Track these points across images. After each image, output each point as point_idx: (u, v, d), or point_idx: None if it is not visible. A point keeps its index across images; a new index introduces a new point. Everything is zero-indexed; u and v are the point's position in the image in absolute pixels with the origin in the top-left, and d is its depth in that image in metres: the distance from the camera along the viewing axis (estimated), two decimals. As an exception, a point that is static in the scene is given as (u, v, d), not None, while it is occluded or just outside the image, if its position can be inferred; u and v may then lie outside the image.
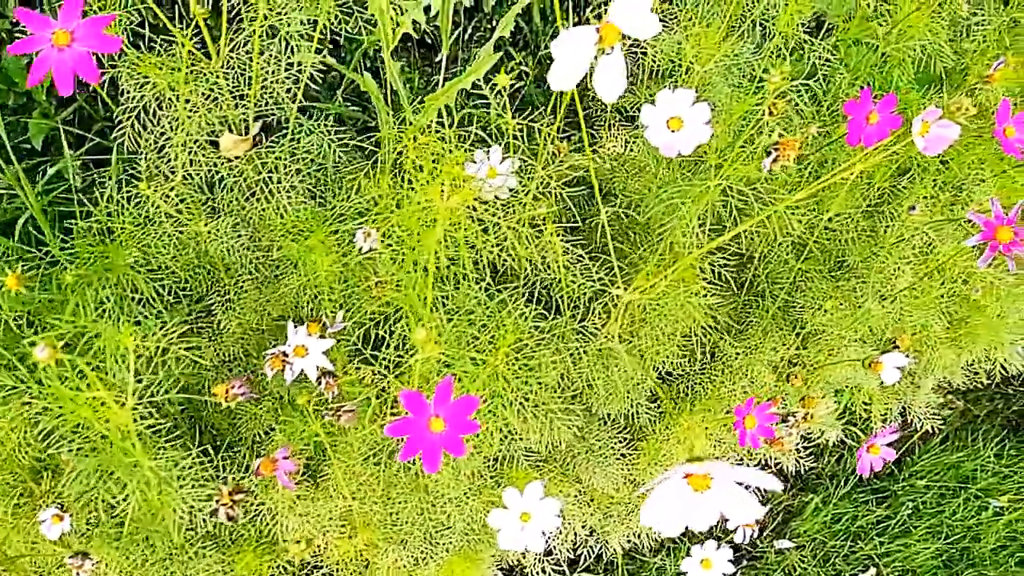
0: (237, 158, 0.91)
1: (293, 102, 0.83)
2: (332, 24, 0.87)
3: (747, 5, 0.95)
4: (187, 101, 0.77)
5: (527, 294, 0.87)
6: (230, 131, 0.91)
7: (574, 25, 0.51)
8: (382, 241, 0.77)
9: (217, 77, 0.83)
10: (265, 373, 0.73)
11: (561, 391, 0.82)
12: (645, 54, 1.07)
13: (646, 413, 1.11)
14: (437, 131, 0.76)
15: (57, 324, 0.59)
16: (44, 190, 1.23)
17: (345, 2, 0.90)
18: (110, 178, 0.87)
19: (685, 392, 1.12)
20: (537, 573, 1.21)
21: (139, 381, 0.90)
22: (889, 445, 0.91)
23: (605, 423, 0.99)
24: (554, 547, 1.19)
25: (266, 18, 0.74)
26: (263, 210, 0.85)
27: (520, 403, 0.78)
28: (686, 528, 0.43)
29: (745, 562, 1.40)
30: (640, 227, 0.91)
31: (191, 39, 0.83)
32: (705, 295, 0.86)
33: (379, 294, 0.75)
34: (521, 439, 0.85)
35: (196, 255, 0.84)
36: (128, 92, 0.80)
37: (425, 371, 0.77)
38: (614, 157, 1.13)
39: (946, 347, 1.17)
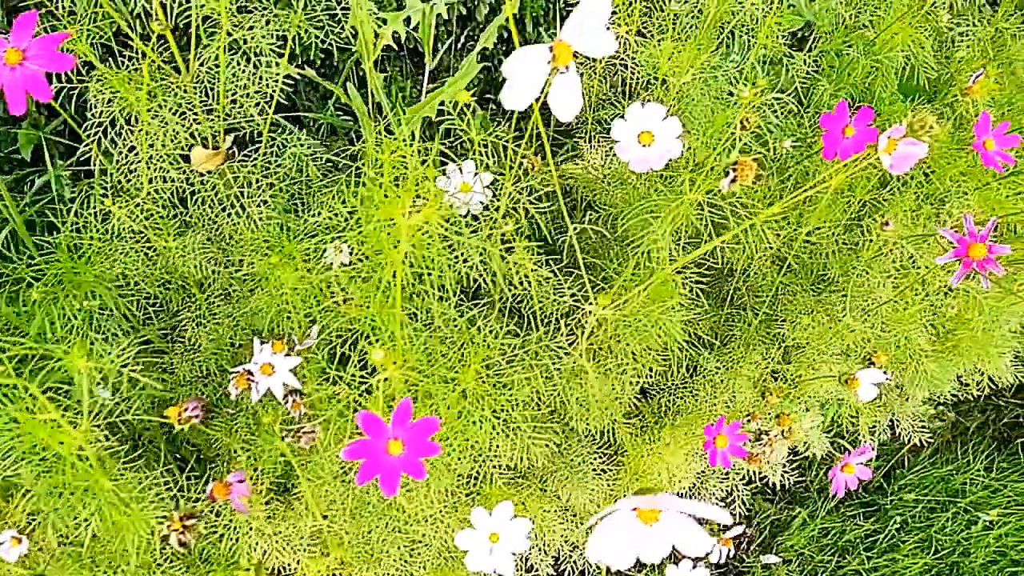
0: (209, 172, 0.90)
1: (263, 115, 0.82)
2: (317, 35, 0.87)
3: (729, 17, 0.95)
4: (153, 116, 0.76)
5: (501, 310, 0.86)
6: (203, 146, 0.91)
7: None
8: (351, 256, 0.76)
9: (186, 91, 0.82)
10: (229, 392, 0.72)
11: (534, 408, 0.81)
12: (626, 67, 1.06)
13: (626, 429, 1.09)
14: (411, 144, 0.75)
15: (8, 346, 0.58)
16: (32, 201, 1.23)
17: (332, 11, 0.89)
18: (81, 192, 0.86)
19: (667, 407, 1.11)
20: (520, 589, 1.20)
21: (112, 397, 0.89)
22: (865, 464, 0.90)
23: (584, 439, 0.98)
24: (536, 563, 1.18)
25: (230, 34, 0.74)
26: (234, 225, 0.84)
27: (491, 421, 0.77)
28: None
29: (732, 577, 1.39)
30: (618, 241, 0.90)
31: (161, 53, 0.82)
32: (681, 310, 0.85)
33: (347, 311, 0.75)
34: (495, 456, 0.83)
35: (166, 271, 0.83)
36: (96, 107, 0.79)
37: (395, 390, 0.76)
38: (595, 169, 1.12)
39: (931, 361, 1.16)
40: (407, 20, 1.26)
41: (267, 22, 0.79)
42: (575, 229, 0.74)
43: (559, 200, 0.67)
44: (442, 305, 0.75)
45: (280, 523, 0.83)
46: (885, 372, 0.84)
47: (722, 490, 1.29)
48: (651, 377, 1.02)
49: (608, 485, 1.10)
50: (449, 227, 0.64)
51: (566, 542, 1.18)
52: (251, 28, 0.74)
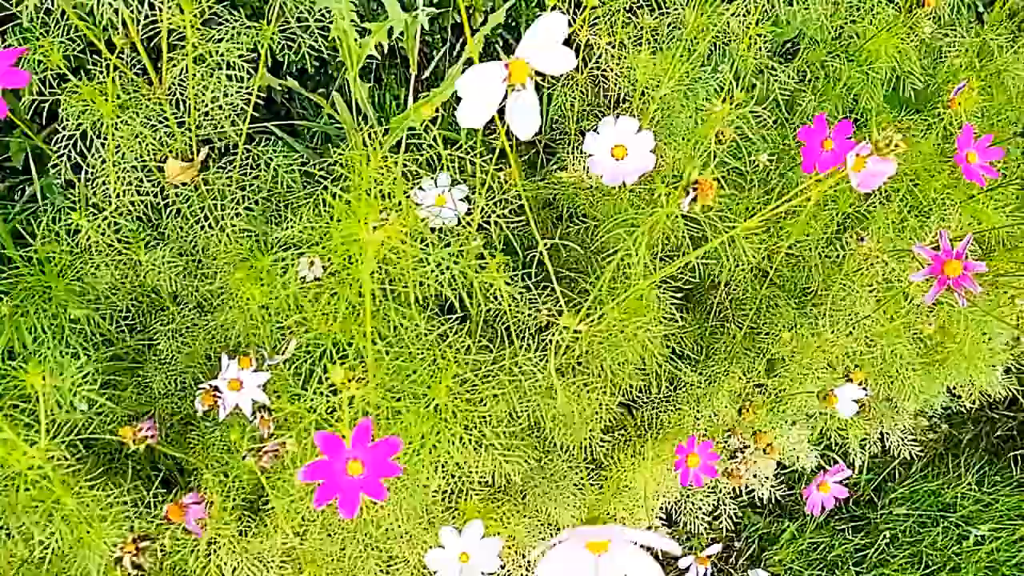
0: (184, 184, 0.89)
1: (235, 127, 0.81)
2: (291, 47, 0.86)
3: (711, 29, 0.94)
4: (121, 127, 0.75)
5: (478, 325, 0.85)
6: (179, 158, 0.90)
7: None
8: (325, 270, 0.76)
9: (159, 103, 0.82)
10: (196, 408, 0.71)
11: (510, 424, 0.80)
12: (607, 78, 1.05)
13: (609, 443, 1.08)
14: (383, 158, 0.74)
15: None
16: (23, 209, 1.22)
17: (305, 24, 0.89)
18: (52, 206, 0.85)
19: (650, 421, 1.10)
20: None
21: (89, 411, 0.88)
22: (841, 483, 0.89)
23: (565, 453, 0.97)
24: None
25: (195, 46, 0.73)
26: (207, 238, 0.84)
27: (463, 438, 0.76)
28: None
29: (720, 591, 1.37)
30: (595, 253, 0.89)
31: (134, 66, 0.82)
32: (659, 324, 0.84)
33: (315, 327, 0.74)
34: (469, 473, 0.82)
35: (138, 284, 0.83)
36: (68, 119, 0.79)
37: (365, 407, 0.75)
38: (578, 180, 1.12)
39: (919, 375, 1.15)
40: (390, 31, 1.26)
41: (238, 34, 0.79)
42: (546, 246, 0.73)
43: (528, 214, 0.66)
44: (411, 320, 0.75)
45: (252, 539, 0.82)
46: (865, 388, 0.83)
47: (709, 504, 1.28)
48: (632, 392, 1.01)
49: (592, 499, 1.08)
50: (414, 243, 0.63)
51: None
52: (219, 41, 0.74)
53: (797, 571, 1.36)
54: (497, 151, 0.74)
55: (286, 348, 0.80)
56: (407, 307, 0.75)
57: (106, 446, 1.03)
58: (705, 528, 1.33)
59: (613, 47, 1.01)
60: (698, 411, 1.04)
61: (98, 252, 0.77)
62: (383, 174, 0.72)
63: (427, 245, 0.66)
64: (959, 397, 1.47)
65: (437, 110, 1.12)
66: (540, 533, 1.09)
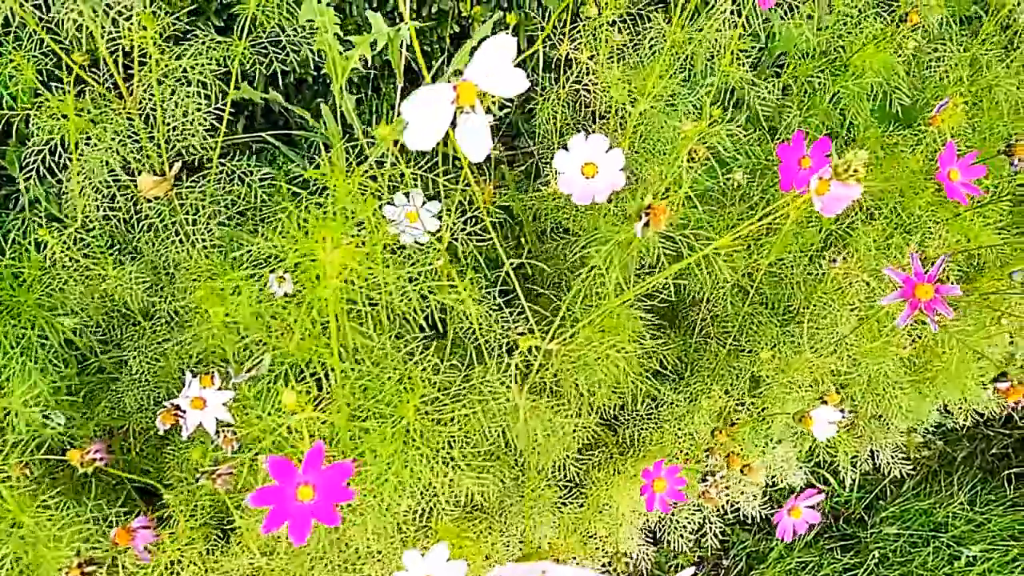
0: (157, 199, 0.89)
1: (203, 141, 0.81)
2: (261, 62, 0.85)
3: (694, 44, 0.93)
4: (91, 141, 0.75)
5: (450, 343, 0.84)
6: (152, 172, 0.90)
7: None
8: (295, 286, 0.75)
9: (130, 118, 0.81)
10: (158, 427, 0.70)
11: (481, 443, 0.79)
12: (589, 92, 1.04)
13: (589, 461, 1.07)
14: (353, 175, 0.73)
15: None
16: (16, 218, 1.22)
17: (276, 39, 0.88)
18: (21, 221, 0.85)
19: (631, 438, 1.09)
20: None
21: (66, 424, 0.87)
22: (813, 507, 0.87)
23: (542, 472, 0.96)
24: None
25: (158, 62, 0.73)
26: (178, 253, 0.83)
27: (431, 458, 0.75)
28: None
29: (708, 609, 1.35)
30: (571, 271, 0.88)
31: (105, 81, 0.81)
32: (632, 343, 0.83)
33: (281, 345, 0.73)
34: (438, 493, 0.81)
35: (108, 299, 0.82)
36: (37, 134, 0.78)
37: (331, 427, 0.74)
38: (559, 195, 1.11)
39: (906, 393, 1.13)
40: (375, 44, 1.25)
41: (208, 49, 0.78)
42: (513, 265, 0.72)
43: (492, 233, 0.65)
44: (376, 340, 0.74)
45: (219, 559, 0.81)
46: (842, 410, 0.82)
47: (694, 521, 1.26)
48: (610, 410, 1.00)
49: (571, 517, 1.07)
50: (372, 263, 0.62)
51: None
52: (179, 57, 0.73)
53: (785, 590, 1.34)
54: (441, 173, 0.73)
55: (258, 365, 0.79)
56: (378, 325, 0.74)
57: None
58: (691, 546, 1.31)
59: (594, 62, 1.00)
60: (679, 429, 1.03)
61: (63, 267, 0.76)
62: (352, 191, 0.71)
63: (388, 265, 0.65)
64: (952, 414, 1.45)
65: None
66: (519, 551, 1.07)
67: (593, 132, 0.94)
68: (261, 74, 1.36)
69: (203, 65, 0.75)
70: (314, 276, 0.66)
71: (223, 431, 0.72)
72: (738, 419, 1.01)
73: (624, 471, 1.07)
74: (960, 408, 1.38)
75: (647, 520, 1.16)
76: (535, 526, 1.00)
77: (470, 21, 1.51)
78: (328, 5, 1.29)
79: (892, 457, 1.33)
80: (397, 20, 1.44)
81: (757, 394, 0.99)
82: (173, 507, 0.77)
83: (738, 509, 1.25)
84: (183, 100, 0.79)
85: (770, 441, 1.08)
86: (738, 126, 1.07)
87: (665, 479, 0.72)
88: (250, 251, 0.76)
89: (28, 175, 0.78)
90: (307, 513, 0.55)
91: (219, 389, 0.72)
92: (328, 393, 0.70)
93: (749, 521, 1.43)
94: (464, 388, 0.78)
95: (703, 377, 1.04)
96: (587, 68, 1.00)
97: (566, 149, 0.74)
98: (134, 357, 0.86)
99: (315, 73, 1.42)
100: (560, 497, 1.02)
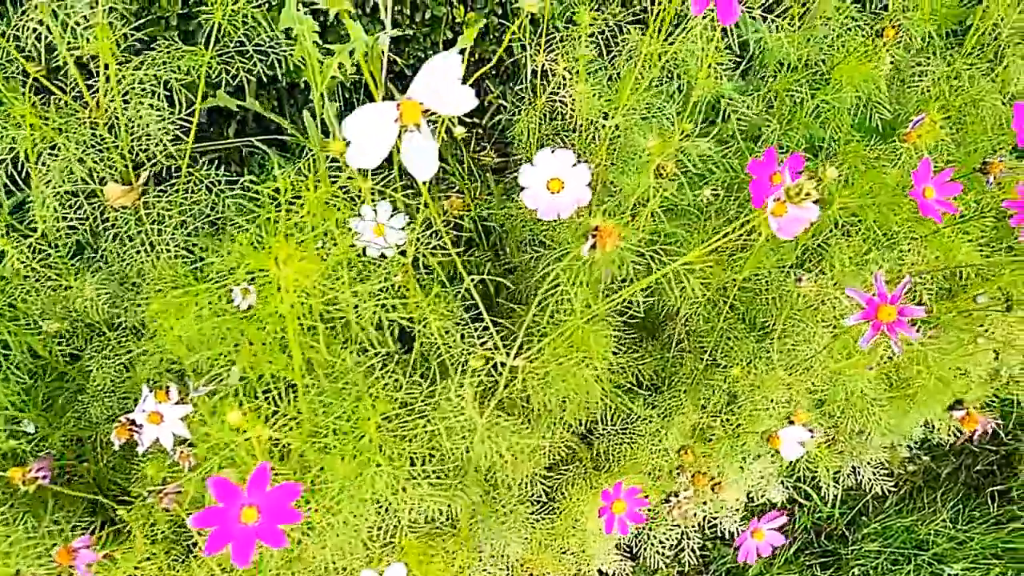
0: (124, 208, 0.88)
1: (164, 150, 0.80)
2: (228, 70, 0.85)
3: (668, 57, 0.92)
4: (52, 151, 0.74)
5: (417, 359, 0.83)
6: (119, 181, 0.89)
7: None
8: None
9: (94, 127, 0.80)
10: (112, 442, 0.69)
11: (440, 461, 0.77)
12: (565, 104, 1.04)
13: (563, 476, 1.06)
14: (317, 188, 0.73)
15: None
16: None
17: (242, 48, 0.87)
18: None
19: (607, 453, 1.08)
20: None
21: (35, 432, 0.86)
22: (777, 529, 0.86)
23: (508, 489, 0.94)
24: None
25: (118, 73, 0.72)
26: (141, 263, 0.82)
27: (392, 475, 0.74)
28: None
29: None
30: (537, 285, 0.87)
31: (71, 91, 0.80)
32: (602, 359, 0.82)
33: (240, 359, 0.72)
34: (405, 510, 0.80)
35: (71, 310, 0.81)
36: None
37: (295, 441, 0.73)
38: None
39: (886, 410, 1.12)
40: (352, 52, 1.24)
41: (174, 59, 0.77)
42: (473, 281, 0.71)
43: (451, 249, 0.64)
44: (338, 355, 0.73)
45: (179, 574, 0.80)
46: (811, 430, 0.81)
47: (672, 537, 1.25)
48: (584, 425, 0.99)
49: (544, 534, 1.06)
50: (325, 280, 0.61)
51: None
52: (139, 68, 0.72)
53: (764, 607, 1.33)
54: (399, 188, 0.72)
55: (213, 381, 0.78)
56: (339, 340, 0.73)
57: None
58: (669, 562, 1.30)
59: (571, 73, 0.99)
60: (654, 445, 1.02)
61: (24, 277, 0.75)
62: (320, 202, 0.70)
63: (343, 280, 0.64)
64: (936, 429, 1.43)
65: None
66: (490, 567, 1.06)
67: (562, 147, 0.93)
68: (253, 78, 1.36)
69: (170, 73, 0.74)
70: (274, 290, 0.65)
71: (180, 447, 0.71)
72: (714, 435, 1.00)
73: (599, 486, 1.06)
74: (943, 424, 1.37)
75: (624, 537, 1.15)
76: (506, 543, 0.99)
77: (464, 27, 1.50)
78: (310, 13, 1.28)
79: (874, 473, 1.32)
80: (391, 27, 1.43)
81: (731, 410, 0.98)
82: (131, 522, 0.75)
83: (715, 525, 1.24)
84: (147, 110, 0.78)
85: (747, 457, 1.07)
86: (718, 140, 1.06)
87: (624, 500, 0.71)
88: (211, 263, 0.75)
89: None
90: (251, 535, 0.54)
91: (177, 403, 0.71)
92: (288, 409, 0.69)
93: (728, 537, 1.41)
94: (427, 404, 0.77)
95: (679, 392, 1.03)
96: (563, 80, 0.99)
97: (532, 164, 0.73)
98: (97, 368, 0.85)
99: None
100: (533, 513, 1.01)
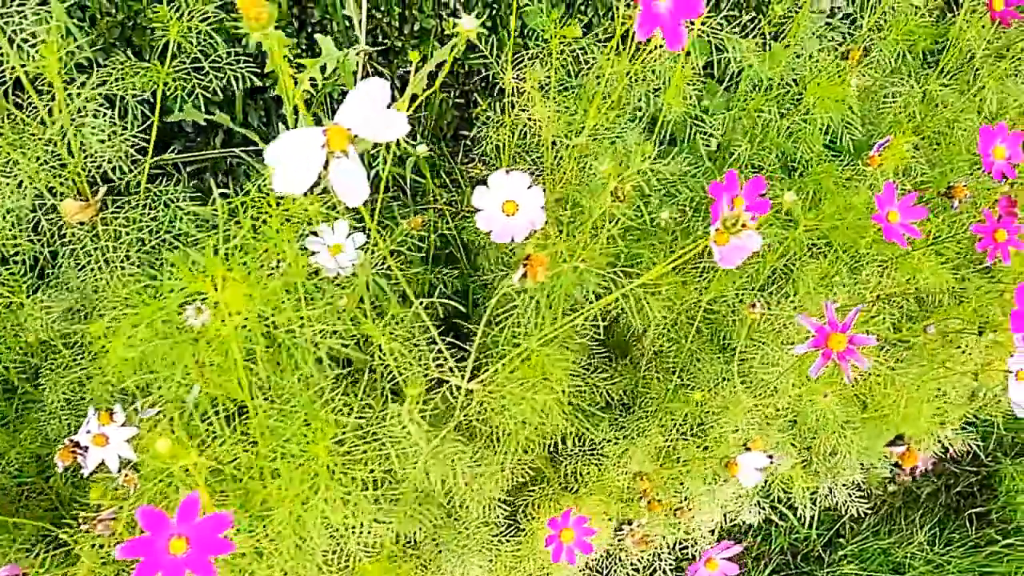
0: (82, 224, 0.87)
1: (115, 165, 0.79)
2: (183, 87, 0.84)
3: (624, 78, 0.91)
4: (4, 168, 0.73)
5: (372, 380, 0.82)
6: (76, 197, 0.88)
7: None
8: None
9: (51, 142, 0.80)
10: (56, 464, 0.68)
11: (392, 485, 0.76)
12: (532, 120, 1.03)
13: (527, 497, 1.05)
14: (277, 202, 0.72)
15: None
16: None
17: (198, 64, 0.87)
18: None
19: (574, 474, 1.06)
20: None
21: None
22: (730, 559, 0.85)
23: (465, 511, 0.93)
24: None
25: (66, 89, 0.71)
26: (95, 281, 0.81)
27: (344, 500, 0.73)
28: None
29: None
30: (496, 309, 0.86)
31: (25, 107, 0.80)
32: (560, 381, 0.81)
33: (194, 380, 0.71)
34: (357, 534, 0.79)
35: (21, 328, 0.80)
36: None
37: (237, 466, 0.72)
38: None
39: (857, 432, 1.11)
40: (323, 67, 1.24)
41: (130, 75, 0.77)
42: (421, 304, 0.70)
43: (395, 270, 0.63)
44: (289, 376, 0.72)
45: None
46: (770, 456, 0.80)
47: (644, 558, 1.23)
48: (547, 447, 0.97)
49: (509, 556, 1.04)
50: (270, 304, 0.60)
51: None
52: (83, 85, 0.72)
53: (738, 630, 1.31)
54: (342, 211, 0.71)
55: (189, 397, 0.77)
56: (287, 362, 0.72)
57: (8, 491, 1.00)
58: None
59: (540, 91, 0.99)
60: (620, 467, 1.01)
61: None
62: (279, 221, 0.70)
63: (283, 303, 0.63)
64: (916, 451, 1.42)
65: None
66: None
67: (530, 165, 0.92)
68: (240, 89, 1.35)
69: (125, 89, 0.74)
70: (222, 313, 0.64)
71: (126, 470, 0.70)
72: (680, 458, 0.99)
73: (567, 507, 1.04)
74: (921, 446, 1.36)
75: (590, 559, 1.14)
76: (468, 567, 0.98)
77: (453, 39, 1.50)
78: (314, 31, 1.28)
79: (849, 495, 1.31)
80: (380, 38, 1.43)
81: (697, 433, 0.97)
82: (80, 543, 0.74)
83: (686, 547, 1.23)
84: (106, 124, 0.77)
85: (716, 480, 1.06)
86: (688, 159, 1.06)
87: (573, 529, 0.70)
88: (159, 283, 0.74)
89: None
90: (179, 566, 0.53)
91: (123, 425, 0.70)
92: (230, 434, 0.68)
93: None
94: (379, 428, 0.76)
95: (646, 414, 1.02)
96: (534, 98, 0.99)
97: (486, 185, 0.72)
98: (51, 387, 0.84)
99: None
100: (496, 535, 1.00)
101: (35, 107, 0.79)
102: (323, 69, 1.20)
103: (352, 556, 0.86)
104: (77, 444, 0.68)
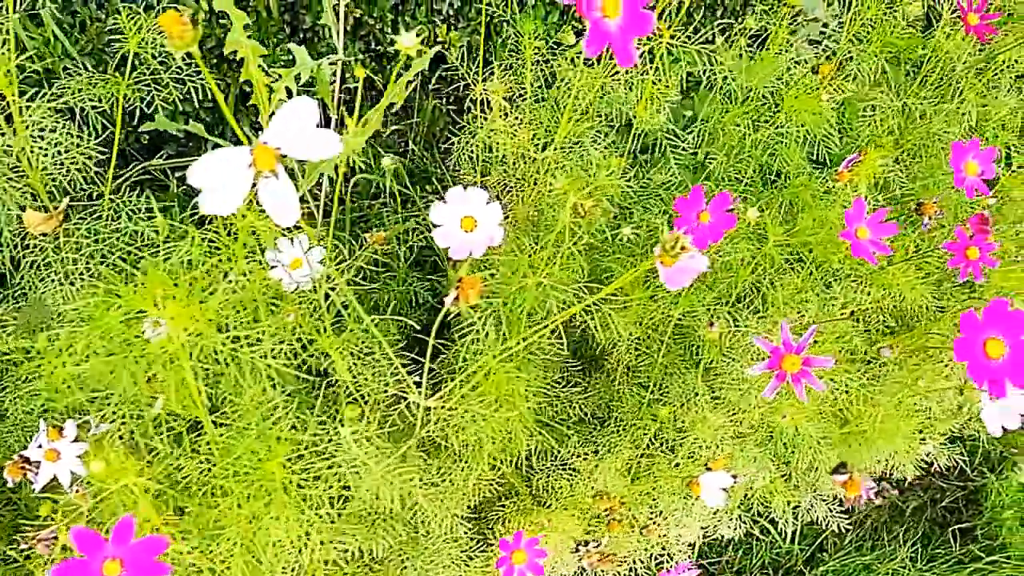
0: (44, 235, 0.87)
1: (82, 175, 0.79)
2: (142, 98, 0.83)
3: (593, 91, 0.90)
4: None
5: (321, 397, 0.81)
6: (39, 208, 0.88)
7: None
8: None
9: (12, 154, 0.79)
10: (5, 480, 0.67)
11: (347, 502, 0.75)
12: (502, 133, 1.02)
13: (498, 512, 1.04)
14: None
15: None
16: None
17: (157, 75, 0.86)
18: None
19: (546, 488, 1.05)
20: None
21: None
22: None
23: (427, 528, 0.92)
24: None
25: (25, 100, 0.71)
26: (54, 293, 0.81)
27: (298, 518, 0.72)
28: None
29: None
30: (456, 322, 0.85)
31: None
32: (524, 398, 0.80)
33: (145, 396, 0.70)
34: (317, 550, 0.78)
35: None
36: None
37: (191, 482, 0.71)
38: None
39: (834, 448, 1.10)
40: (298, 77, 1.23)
41: (90, 87, 0.76)
42: (373, 322, 0.69)
43: (345, 289, 0.62)
44: (246, 392, 0.71)
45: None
46: (735, 476, 0.78)
47: (621, 573, 1.22)
48: (516, 461, 0.96)
49: (478, 572, 1.03)
50: (208, 321, 0.59)
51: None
52: (33, 99, 0.71)
53: (716, 646, 1.30)
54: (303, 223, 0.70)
55: (150, 412, 0.76)
56: (240, 378, 0.71)
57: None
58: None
59: (510, 103, 0.98)
60: (591, 482, 1.00)
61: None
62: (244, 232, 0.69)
63: (227, 319, 0.63)
64: (901, 465, 1.41)
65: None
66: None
67: (494, 178, 0.91)
68: (233, 96, 1.36)
69: (79, 102, 0.73)
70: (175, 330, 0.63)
71: (77, 485, 0.69)
72: (650, 473, 0.98)
73: (538, 521, 1.03)
74: (902, 461, 1.34)
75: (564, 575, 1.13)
76: (438, 580, 0.97)
77: (447, 46, 1.49)
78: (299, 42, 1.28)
79: (830, 510, 1.29)
80: (373, 45, 1.43)
81: (665, 450, 0.96)
82: (31, 562, 0.73)
83: (662, 563, 1.21)
84: (66, 136, 0.76)
85: (689, 496, 1.05)
86: (661, 172, 1.05)
87: (525, 551, 0.69)
88: (117, 298, 0.73)
89: None
90: (113, 589, 0.52)
91: (75, 440, 0.70)
92: (178, 452, 0.68)
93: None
94: (335, 445, 0.75)
95: (617, 429, 1.01)
96: (504, 110, 0.98)
97: (443, 200, 0.71)
98: (10, 399, 0.83)
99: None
100: (464, 551, 0.99)
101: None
102: (298, 79, 1.19)
103: (311, 574, 0.85)
104: (27, 459, 0.67)
